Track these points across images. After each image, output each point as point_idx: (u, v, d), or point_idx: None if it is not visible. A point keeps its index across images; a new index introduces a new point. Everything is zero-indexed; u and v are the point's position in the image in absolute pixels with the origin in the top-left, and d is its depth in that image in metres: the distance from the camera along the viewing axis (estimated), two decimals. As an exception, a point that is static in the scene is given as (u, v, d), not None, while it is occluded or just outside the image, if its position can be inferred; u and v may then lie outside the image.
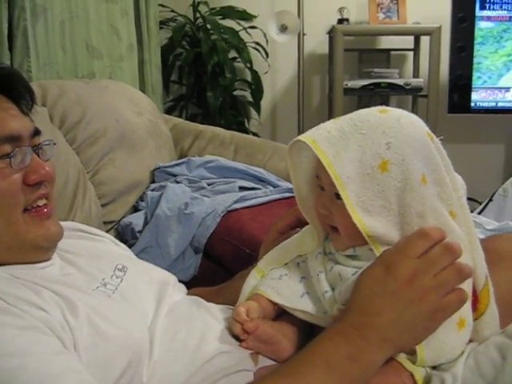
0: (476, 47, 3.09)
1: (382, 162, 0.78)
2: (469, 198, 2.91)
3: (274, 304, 0.91)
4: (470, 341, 0.83)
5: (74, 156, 1.60)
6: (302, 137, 0.81)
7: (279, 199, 1.68)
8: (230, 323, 0.90)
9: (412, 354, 0.79)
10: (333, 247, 0.88)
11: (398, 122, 0.80)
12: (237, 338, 0.89)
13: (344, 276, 0.84)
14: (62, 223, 1.00)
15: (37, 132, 0.94)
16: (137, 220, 1.66)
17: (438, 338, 0.78)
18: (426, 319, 0.76)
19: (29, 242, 0.89)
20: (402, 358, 0.79)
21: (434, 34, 3.04)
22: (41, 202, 0.91)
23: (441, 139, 0.84)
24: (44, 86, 1.71)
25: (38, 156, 0.92)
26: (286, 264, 0.95)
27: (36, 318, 0.75)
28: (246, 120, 3.36)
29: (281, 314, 0.92)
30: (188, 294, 1.11)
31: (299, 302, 0.89)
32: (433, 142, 0.81)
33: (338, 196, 0.80)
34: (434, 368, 0.81)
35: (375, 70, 3.18)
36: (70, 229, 1.14)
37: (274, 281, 0.93)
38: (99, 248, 1.14)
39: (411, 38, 3.31)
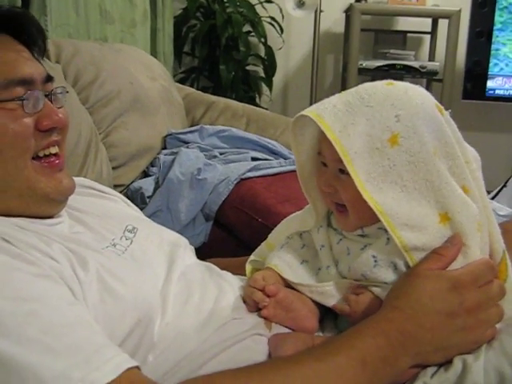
0: (495, 33, 3.05)
1: (391, 135, 0.74)
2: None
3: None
4: None
5: (86, 115, 1.59)
6: (306, 111, 0.78)
7: (292, 171, 1.66)
8: (248, 291, 0.87)
9: None
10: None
11: (406, 94, 0.77)
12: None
13: (353, 251, 0.82)
14: (74, 178, 0.98)
15: (49, 78, 0.91)
16: (147, 185, 1.65)
17: None
18: (465, 347, 0.76)
19: (40, 192, 0.86)
20: None
21: (452, 17, 3.00)
22: (53, 150, 0.89)
23: (450, 113, 0.81)
24: (58, 44, 1.69)
25: (51, 102, 0.90)
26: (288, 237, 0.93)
27: (48, 266, 0.73)
28: (257, 95, 3.33)
29: None
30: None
31: (299, 270, 0.88)
32: (442, 114, 0.78)
33: (342, 171, 0.77)
34: None
35: (391, 51, 3.15)
36: (81, 185, 1.12)
37: (277, 250, 0.92)
38: (109, 207, 1.12)
39: (429, 21, 3.27)
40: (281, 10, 3.16)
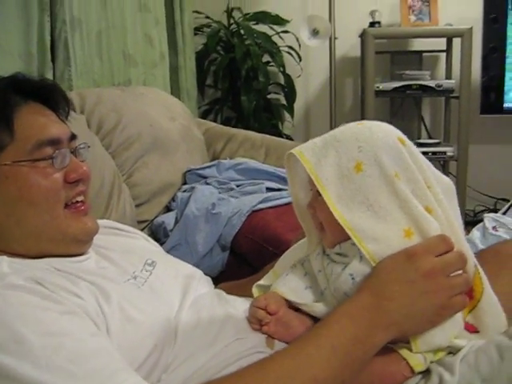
0: (508, 47, 3.09)
1: (356, 163, 0.87)
2: (502, 199, 2.94)
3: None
4: (476, 331, 0.89)
5: (109, 160, 1.71)
6: (293, 150, 0.91)
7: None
8: (251, 311, 0.97)
9: (408, 342, 0.85)
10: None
11: (369, 130, 0.89)
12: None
13: (335, 271, 0.91)
14: (98, 221, 1.11)
15: (73, 136, 1.05)
16: (169, 219, 1.75)
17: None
18: (433, 312, 0.82)
19: (69, 235, 1.00)
20: (400, 346, 0.86)
21: (465, 35, 3.05)
22: (79, 198, 1.03)
23: (415, 143, 0.94)
24: (82, 94, 1.82)
25: (75, 156, 1.03)
26: (293, 265, 1.03)
27: (73, 303, 0.85)
28: (279, 123, 3.43)
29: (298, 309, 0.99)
30: (216, 288, 1.20)
31: (304, 296, 0.97)
32: (404, 145, 0.89)
33: (319, 194, 0.89)
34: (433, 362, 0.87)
35: (406, 72, 3.21)
36: (106, 226, 1.25)
37: (283, 277, 1.01)
38: (131, 244, 1.24)
39: (443, 40, 3.32)
40: (297, 39, 3.26)
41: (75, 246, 1.02)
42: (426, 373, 0.86)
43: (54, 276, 0.90)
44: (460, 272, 0.85)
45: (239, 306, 1.04)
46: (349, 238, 0.88)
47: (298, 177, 0.98)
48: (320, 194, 0.89)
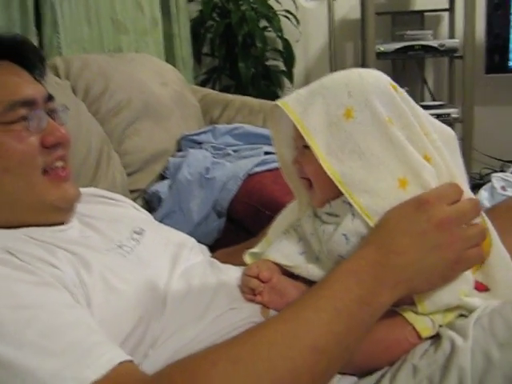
0: (513, 4, 2.98)
1: (345, 110, 0.81)
2: (509, 161, 2.85)
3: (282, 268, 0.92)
4: (487, 289, 0.82)
5: (97, 126, 1.64)
6: (277, 101, 0.85)
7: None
8: (244, 280, 0.92)
9: (413, 303, 0.78)
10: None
11: (359, 75, 0.83)
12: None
13: (327, 232, 0.85)
14: (83, 189, 1.04)
15: (50, 97, 0.98)
16: (163, 188, 1.69)
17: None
18: (446, 267, 0.74)
19: (48, 203, 0.93)
20: (404, 309, 0.79)
21: (469, -9, 2.95)
22: (58, 164, 0.95)
23: (407, 90, 0.85)
24: (67, 60, 1.75)
25: (53, 119, 0.96)
26: (285, 230, 0.97)
27: (49, 274, 0.78)
28: (279, 89, 3.35)
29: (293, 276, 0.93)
30: (212, 256, 1.14)
31: (299, 260, 0.91)
32: (396, 91, 0.83)
33: (306, 147, 0.83)
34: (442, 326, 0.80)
35: (408, 32, 3.11)
36: (91, 194, 1.18)
37: (276, 244, 0.95)
38: (119, 212, 1.18)
39: (445, -1, 3.21)
40: (294, 2, 3.17)
41: (55, 214, 0.95)
42: (436, 338, 0.79)
43: (29, 245, 0.84)
44: (475, 221, 0.77)
45: (233, 274, 0.98)
46: (339, 195, 0.81)
47: (282, 133, 0.91)
48: (307, 147, 0.82)
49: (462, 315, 0.81)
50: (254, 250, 1.01)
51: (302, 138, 0.82)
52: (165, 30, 2.74)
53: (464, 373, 0.71)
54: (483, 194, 1.96)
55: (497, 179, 1.98)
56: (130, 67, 1.92)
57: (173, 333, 0.83)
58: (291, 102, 0.84)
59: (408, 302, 0.78)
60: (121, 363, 0.67)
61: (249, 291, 0.90)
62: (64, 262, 0.83)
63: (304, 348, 0.66)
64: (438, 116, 3.05)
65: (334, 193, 0.82)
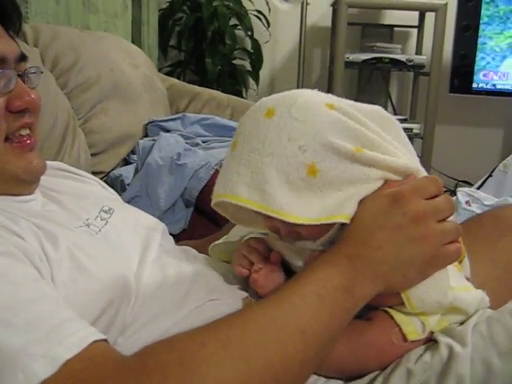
0: (481, 27, 3.03)
1: (307, 168, 0.70)
2: (464, 181, 2.90)
3: None
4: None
5: (64, 100, 1.56)
6: (219, 196, 0.73)
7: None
8: (245, 251, 0.84)
9: (402, 303, 0.73)
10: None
11: (295, 120, 0.71)
12: (229, 286, 0.86)
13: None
14: (48, 162, 0.96)
15: (23, 57, 0.89)
16: (127, 173, 1.62)
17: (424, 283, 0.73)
18: (423, 262, 0.72)
19: (9, 173, 0.85)
20: (394, 310, 0.74)
21: (439, 10, 2.98)
22: (24, 132, 0.87)
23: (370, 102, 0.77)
24: (37, 28, 1.66)
25: (24, 82, 0.87)
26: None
27: (12, 243, 0.71)
28: (244, 89, 3.30)
29: None
30: (177, 245, 1.07)
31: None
32: (336, 109, 0.73)
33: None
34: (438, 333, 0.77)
35: (378, 44, 3.13)
36: (57, 168, 1.11)
37: None
38: (86, 189, 1.10)
39: (416, 15, 3.25)
40: (267, 3, 3.13)
41: (17, 185, 0.86)
42: (432, 343, 0.75)
43: None
44: (451, 218, 0.74)
45: (210, 263, 0.92)
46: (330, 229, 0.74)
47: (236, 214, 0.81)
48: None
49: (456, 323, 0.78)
50: (219, 242, 0.94)
51: (279, 224, 0.74)
52: (134, 15, 2.66)
53: (463, 380, 0.69)
54: (448, 208, 1.96)
55: (462, 194, 1.97)
56: (101, 45, 1.85)
57: (146, 322, 0.77)
58: (240, 190, 0.70)
59: (396, 302, 0.74)
60: (95, 342, 0.60)
61: (246, 264, 0.82)
62: (27, 232, 0.75)
63: (293, 333, 0.64)
64: (400, 130, 3.07)
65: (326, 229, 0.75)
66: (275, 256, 0.81)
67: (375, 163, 0.72)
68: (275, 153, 0.70)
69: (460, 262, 0.81)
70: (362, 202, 0.72)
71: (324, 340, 0.67)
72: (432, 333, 0.76)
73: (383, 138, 0.74)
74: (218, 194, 0.73)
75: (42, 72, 0.93)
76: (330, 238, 0.76)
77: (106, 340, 0.63)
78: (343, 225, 0.73)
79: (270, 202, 0.70)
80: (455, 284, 0.76)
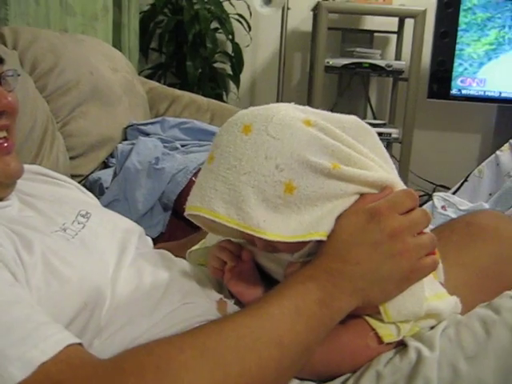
0: (459, 34, 3.07)
1: (284, 186, 0.71)
2: (441, 186, 2.94)
3: None
4: None
5: (43, 103, 1.55)
6: (194, 210, 0.74)
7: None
8: (216, 251, 0.85)
9: (378, 312, 0.75)
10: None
11: (272, 138, 0.72)
12: (204, 289, 0.86)
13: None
14: (26, 166, 0.96)
15: (0, 60, 0.89)
16: (106, 176, 1.62)
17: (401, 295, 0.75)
18: (401, 277, 0.73)
19: None
20: (370, 316, 0.76)
21: (418, 17, 3.02)
22: (1, 134, 0.87)
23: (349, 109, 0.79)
24: (16, 30, 1.65)
25: (0, 85, 0.87)
26: None
27: None
28: (224, 93, 3.31)
29: None
30: (154, 248, 1.08)
31: None
32: (312, 125, 0.74)
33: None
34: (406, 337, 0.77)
35: (357, 49, 3.15)
36: (35, 172, 1.10)
37: None
38: (63, 193, 1.10)
39: (395, 21, 3.29)
40: (248, 7, 3.15)
41: None
42: (402, 347, 0.76)
43: None
44: (426, 230, 0.76)
45: (186, 267, 0.93)
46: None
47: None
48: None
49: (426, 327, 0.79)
50: (196, 248, 0.95)
51: (256, 240, 0.75)
52: (114, 18, 2.65)
53: (429, 383, 0.69)
54: (424, 213, 1.98)
55: (438, 199, 2.00)
56: (81, 48, 1.84)
57: (121, 325, 0.77)
58: (218, 205, 0.71)
59: (373, 311, 0.75)
60: (71, 345, 0.61)
61: (218, 264, 0.83)
62: (3, 237, 0.75)
63: (270, 343, 0.65)
64: (378, 134, 3.09)
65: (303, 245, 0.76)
66: (246, 254, 0.82)
67: (352, 179, 0.73)
68: (252, 171, 0.71)
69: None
70: (339, 217, 0.73)
71: (300, 351, 0.68)
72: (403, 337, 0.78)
73: (359, 152, 0.75)
74: (195, 206, 0.74)
75: (19, 75, 0.93)
76: (308, 251, 0.77)
77: (81, 344, 0.63)
78: None
79: (247, 220, 0.70)
80: (430, 293, 0.77)
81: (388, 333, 0.75)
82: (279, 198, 0.71)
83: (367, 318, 0.75)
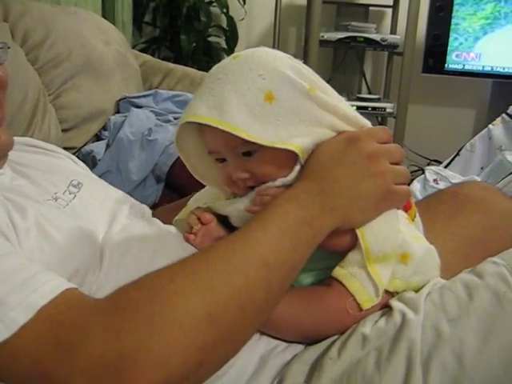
0: (455, 8, 3.05)
1: (264, 94, 0.76)
2: (435, 160, 2.94)
3: None
4: None
5: (34, 75, 1.55)
6: (181, 121, 0.78)
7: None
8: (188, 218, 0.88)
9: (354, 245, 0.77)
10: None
11: (257, 57, 0.78)
12: (190, 253, 0.86)
13: None
14: (17, 138, 0.97)
15: None
16: (98, 149, 1.62)
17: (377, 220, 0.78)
18: (377, 196, 0.76)
19: None
20: (346, 276, 0.77)
21: (414, -11, 3.00)
22: None
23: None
24: (7, 2, 1.64)
25: None
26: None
27: None
28: (218, 67, 3.29)
29: None
30: (153, 215, 1.10)
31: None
32: (294, 61, 0.80)
33: (246, 154, 0.78)
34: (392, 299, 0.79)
35: (352, 23, 3.13)
36: (27, 144, 1.11)
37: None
38: (55, 163, 1.10)
39: (391, -6, 3.26)
40: (243, -20, 3.12)
41: None
42: (387, 310, 0.78)
43: None
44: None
45: (175, 233, 0.94)
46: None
47: (190, 148, 0.85)
48: (247, 154, 0.77)
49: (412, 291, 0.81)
50: (180, 216, 0.97)
51: (234, 146, 0.77)
52: (107, -10, 2.64)
53: (413, 345, 0.71)
54: (416, 186, 1.99)
55: (430, 172, 2.01)
56: (73, 20, 1.83)
57: (110, 290, 0.78)
58: (200, 110, 0.76)
59: (351, 242, 0.77)
60: (68, 289, 0.64)
61: (189, 229, 0.87)
62: None
63: (256, 264, 0.67)
64: (373, 109, 3.11)
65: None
66: (205, 217, 0.86)
67: (327, 107, 0.78)
68: (237, 80, 0.76)
69: (413, 220, 0.85)
70: (318, 145, 0.78)
71: (286, 270, 0.70)
72: (391, 295, 0.80)
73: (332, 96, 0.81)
74: (181, 119, 0.78)
75: (9, 47, 0.93)
76: (289, 181, 0.79)
77: (77, 289, 0.66)
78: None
79: (229, 119, 0.74)
80: (407, 231, 0.80)
81: (367, 298, 0.76)
82: (259, 106, 0.75)
83: (345, 281, 0.77)
